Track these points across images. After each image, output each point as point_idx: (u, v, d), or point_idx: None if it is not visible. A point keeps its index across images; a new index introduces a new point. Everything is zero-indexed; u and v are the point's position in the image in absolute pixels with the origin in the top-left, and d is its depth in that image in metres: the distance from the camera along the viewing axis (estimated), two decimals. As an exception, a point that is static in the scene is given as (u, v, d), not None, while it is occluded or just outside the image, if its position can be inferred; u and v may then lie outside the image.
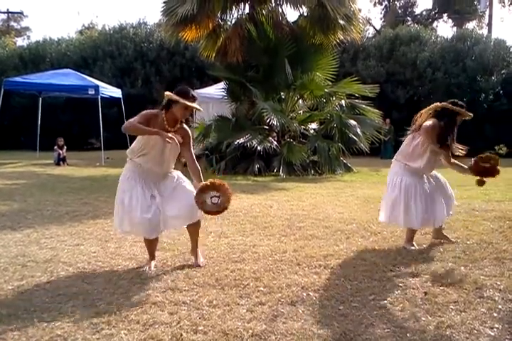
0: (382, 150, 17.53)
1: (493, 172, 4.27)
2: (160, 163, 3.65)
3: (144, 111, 3.62)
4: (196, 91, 16.46)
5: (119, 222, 3.69)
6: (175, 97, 3.50)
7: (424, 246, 4.43)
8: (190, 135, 3.77)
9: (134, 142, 3.70)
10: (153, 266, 3.75)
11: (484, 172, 4.27)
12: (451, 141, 4.23)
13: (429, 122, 4.18)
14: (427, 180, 4.34)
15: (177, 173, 3.81)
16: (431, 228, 4.60)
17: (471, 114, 4.25)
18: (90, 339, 2.53)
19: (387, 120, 16.98)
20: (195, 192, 3.56)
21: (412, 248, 4.30)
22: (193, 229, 3.82)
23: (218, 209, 3.54)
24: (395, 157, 4.48)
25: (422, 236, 4.72)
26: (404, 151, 4.39)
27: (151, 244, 3.83)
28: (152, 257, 3.84)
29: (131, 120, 3.51)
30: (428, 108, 4.31)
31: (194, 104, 3.55)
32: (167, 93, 3.56)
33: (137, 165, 3.66)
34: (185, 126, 3.73)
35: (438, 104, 4.26)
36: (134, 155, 3.66)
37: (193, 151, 3.79)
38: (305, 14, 12.62)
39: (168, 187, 3.70)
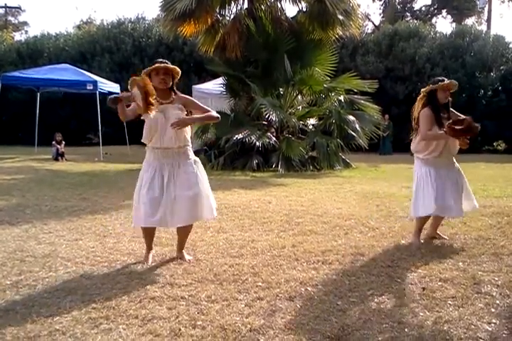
0: (381, 146, 17.54)
1: (469, 130, 4.02)
2: (169, 139, 3.56)
3: None
4: (195, 86, 16.33)
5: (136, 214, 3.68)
6: (143, 72, 3.56)
7: (422, 241, 4.43)
8: (192, 99, 3.72)
9: None
10: (151, 257, 3.76)
11: (461, 133, 4.04)
12: (444, 119, 4.18)
13: (421, 115, 4.20)
14: (447, 169, 4.25)
15: (194, 168, 3.68)
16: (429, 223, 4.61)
17: (450, 82, 4.17)
18: (89, 333, 2.53)
19: (386, 116, 16.98)
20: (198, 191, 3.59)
21: (417, 242, 4.29)
22: (184, 230, 3.79)
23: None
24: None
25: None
26: (413, 146, 4.40)
27: (149, 235, 3.81)
28: (149, 248, 3.83)
29: None
30: (418, 98, 4.34)
31: (158, 64, 3.53)
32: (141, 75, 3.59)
33: (152, 151, 3.63)
34: (181, 94, 3.71)
35: (422, 90, 4.30)
36: (147, 140, 3.64)
37: (208, 108, 3.70)
38: (304, 9, 12.60)
39: (181, 179, 3.58)
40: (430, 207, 4.17)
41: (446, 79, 4.22)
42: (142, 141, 3.69)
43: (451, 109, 4.34)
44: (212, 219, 3.78)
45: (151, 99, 3.37)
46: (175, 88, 3.70)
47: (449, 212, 4.27)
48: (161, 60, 3.64)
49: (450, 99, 4.29)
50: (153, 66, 3.55)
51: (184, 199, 3.56)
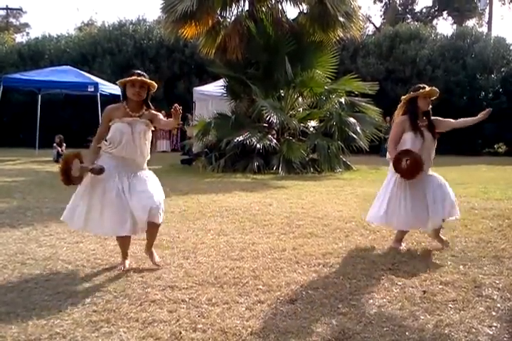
0: (383, 148, 17.50)
1: (410, 171, 4.00)
2: (134, 151, 3.57)
3: (106, 108, 3.65)
4: (195, 88, 16.28)
5: (77, 216, 3.60)
6: (119, 81, 3.57)
7: (423, 244, 4.43)
8: (158, 114, 3.67)
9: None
10: (128, 264, 3.72)
11: (404, 172, 4.03)
12: (422, 126, 4.15)
13: (395, 122, 4.24)
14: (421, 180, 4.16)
15: (149, 174, 3.70)
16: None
17: (430, 89, 4.12)
18: (89, 337, 2.53)
19: (388, 118, 16.93)
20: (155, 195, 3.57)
21: (400, 247, 4.26)
22: (151, 231, 3.67)
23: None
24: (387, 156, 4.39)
25: (421, 234, 4.72)
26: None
27: (124, 242, 3.76)
28: (125, 256, 3.78)
29: (97, 134, 3.66)
30: (399, 106, 4.33)
31: (135, 77, 3.49)
32: (117, 82, 3.61)
33: (111, 157, 3.57)
34: (152, 111, 3.64)
35: (402, 97, 4.29)
36: (106, 147, 3.59)
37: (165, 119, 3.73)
38: (305, 11, 12.61)
39: (137, 187, 3.56)
40: (406, 223, 4.16)
41: (427, 87, 4.19)
42: (100, 146, 3.61)
43: (438, 117, 4.31)
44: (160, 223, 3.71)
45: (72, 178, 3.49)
46: (149, 101, 3.65)
47: (422, 226, 4.30)
48: (138, 71, 3.59)
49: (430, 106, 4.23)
50: (130, 78, 3.50)
51: (140, 208, 3.49)
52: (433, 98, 4.23)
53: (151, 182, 3.65)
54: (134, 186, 3.56)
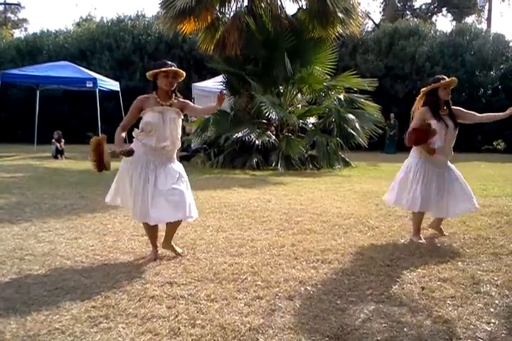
0: (386, 144, 17.49)
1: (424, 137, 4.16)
2: (164, 140, 3.65)
3: (137, 98, 3.71)
4: (194, 84, 16.22)
5: (115, 197, 3.83)
6: (151, 71, 3.62)
7: (425, 241, 4.44)
8: (189, 102, 3.85)
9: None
10: (155, 256, 3.81)
11: (418, 140, 4.19)
12: (443, 115, 4.25)
13: (417, 113, 4.32)
14: (439, 168, 4.32)
15: (179, 169, 3.78)
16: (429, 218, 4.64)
17: (451, 80, 4.21)
18: (88, 332, 2.53)
19: (392, 114, 16.92)
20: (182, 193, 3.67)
21: (420, 241, 4.31)
22: (172, 225, 3.86)
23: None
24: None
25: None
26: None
27: (151, 232, 3.86)
28: (154, 247, 3.88)
29: (123, 121, 3.75)
30: (418, 98, 4.43)
31: (169, 68, 3.59)
32: (147, 73, 3.67)
33: (143, 145, 3.66)
34: (181, 99, 3.79)
35: (422, 90, 4.35)
36: (138, 135, 3.70)
37: (200, 107, 3.98)
38: (304, 7, 12.57)
39: (164, 181, 3.67)
40: (415, 203, 4.26)
41: (446, 77, 4.27)
42: (134, 134, 3.73)
43: (460, 108, 4.42)
44: (190, 218, 3.82)
45: (105, 160, 3.58)
46: (176, 90, 3.77)
47: (434, 209, 4.36)
48: (170, 62, 3.69)
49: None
50: (163, 69, 3.58)
51: (170, 197, 3.63)
52: (452, 87, 4.30)
53: (176, 177, 3.70)
54: (159, 183, 3.63)
